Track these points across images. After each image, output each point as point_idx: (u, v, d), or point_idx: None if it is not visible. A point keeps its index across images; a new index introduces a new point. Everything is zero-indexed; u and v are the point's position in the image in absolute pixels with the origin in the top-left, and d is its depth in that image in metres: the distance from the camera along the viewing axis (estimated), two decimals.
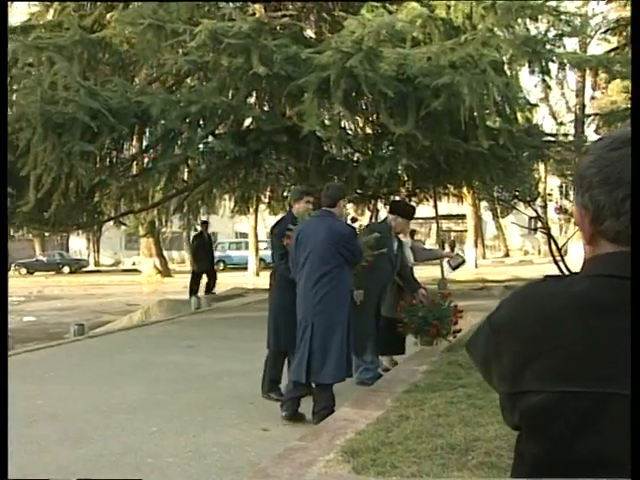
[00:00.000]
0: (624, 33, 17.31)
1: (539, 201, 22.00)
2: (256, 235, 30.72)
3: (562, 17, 11.61)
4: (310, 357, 5.48)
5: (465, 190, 22.61)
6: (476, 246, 33.17)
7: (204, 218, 20.08)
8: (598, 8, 17.62)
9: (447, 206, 28.31)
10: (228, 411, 6.09)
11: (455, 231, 45.58)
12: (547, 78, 11.60)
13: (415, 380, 6.15)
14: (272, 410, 5.95)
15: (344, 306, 5.58)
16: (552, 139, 13.98)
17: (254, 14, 12.11)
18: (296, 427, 5.43)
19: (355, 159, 13.38)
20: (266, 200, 20.04)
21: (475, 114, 10.76)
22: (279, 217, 8.33)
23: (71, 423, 5.78)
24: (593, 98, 32.77)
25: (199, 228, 18.25)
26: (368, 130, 13.99)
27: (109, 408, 6.25)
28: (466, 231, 37.22)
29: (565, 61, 11.60)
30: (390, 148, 11.91)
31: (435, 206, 21.77)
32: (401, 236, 7.31)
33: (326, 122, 11.06)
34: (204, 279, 17.40)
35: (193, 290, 16.94)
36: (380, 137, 12.53)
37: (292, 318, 5.75)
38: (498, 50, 10.92)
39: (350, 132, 13.35)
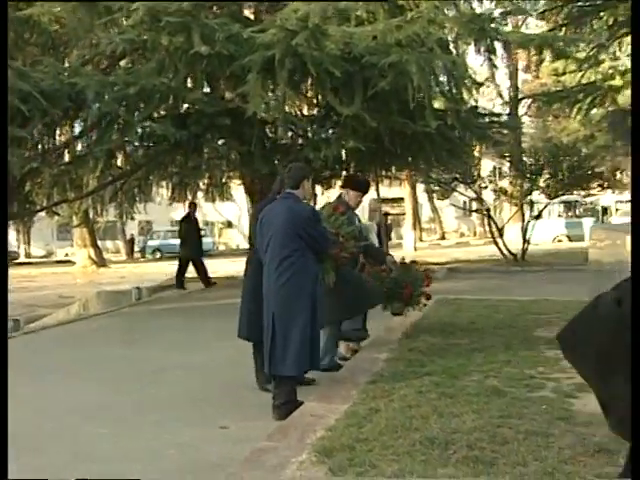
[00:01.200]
0: (561, 14, 17.40)
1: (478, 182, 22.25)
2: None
3: None
4: (271, 348, 5.27)
5: (404, 173, 22.53)
6: (414, 229, 33.18)
7: (141, 206, 19.40)
8: None
9: (383, 189, 28.14)
10: (183, 409, 5.72)
11: (392, 214, 45.71)
12: (493, 57, 11.48)
13: (377, 369, 5.89)
14: (229, 406, 5.63)
15: (305, 295, 5.27)
16: (496, 119, 13.93)
17: None
18: (257, 423, 5.11)
19: (300, 142, 13.05)
20: (204, 187, 19.50)
21: (422, 94, 10.58)
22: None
23: (12, 430, 5.33)
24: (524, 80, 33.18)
25: (187, 210, 16.37)
26: (313, 111, 13.68)
27: (54, 411, 5.81)
28: (404, 214, 37.22)
29: (510, 40, 11.53)
30: (336, 130, 11.63)
31: (377, 189, 21.70)
32: (369, 223, 7.09)
33: (271, 103, 10.70)
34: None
35: (180, 281, 15.64)
36: (326, 118, 12.24)
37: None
38: (444, 28, 10.77)
39: (295, 114, 13.02)
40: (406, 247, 29.36)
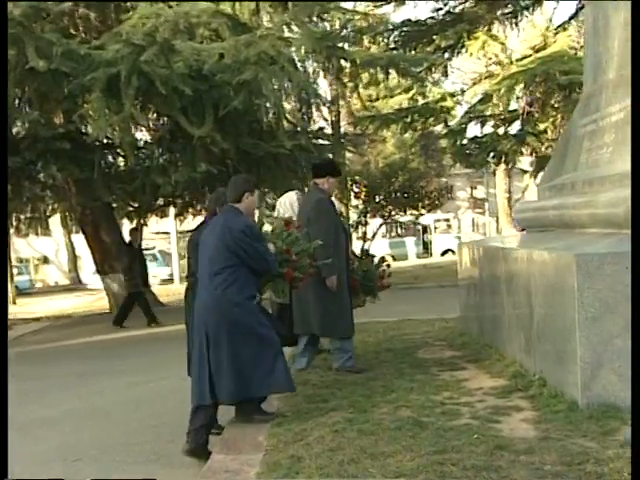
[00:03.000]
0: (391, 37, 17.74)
1: None
2: (9, 259, 27.95)
3: (350, 16, 11.46)
4: (201, 374, 4.86)
5: None
6: None
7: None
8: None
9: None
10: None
11: None
12: (341, 76, 11.35)
13: (274, 408, 5.34)
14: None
15: (232, 322, 4.84)
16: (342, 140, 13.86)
17: None
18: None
19: (147, 166, 12.21)
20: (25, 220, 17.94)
21: (275, 113, 10.23)
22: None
23: None
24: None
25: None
26: (162, 133, 12.89)
27: None
28: None
29: (357, 59, 11.46)
30: (186, 152, 10.96)
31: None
32: None
33: (115, 126, 9.86)
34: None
35: (125, 316, 13.60)
36: (175, 140, 11.54)
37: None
38: (294, 46, 10.49)
39: (142, 135, 12.20)
40: None
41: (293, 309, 6.57)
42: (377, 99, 20.02)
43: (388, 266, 7.27)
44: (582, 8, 18.39)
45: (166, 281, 30.87)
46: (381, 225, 26.16)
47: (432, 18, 17.88)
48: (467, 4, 17.74)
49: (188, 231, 22.30)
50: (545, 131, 18.20)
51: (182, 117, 9.86)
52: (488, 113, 17.28)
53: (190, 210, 18.89)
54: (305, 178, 14.99)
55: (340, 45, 10.90)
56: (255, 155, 11.00)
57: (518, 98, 15.86)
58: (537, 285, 5.40)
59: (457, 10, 18.03)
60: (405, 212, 24.83)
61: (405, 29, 17.31)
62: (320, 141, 13.22)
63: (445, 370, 6.27)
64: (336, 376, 6.23)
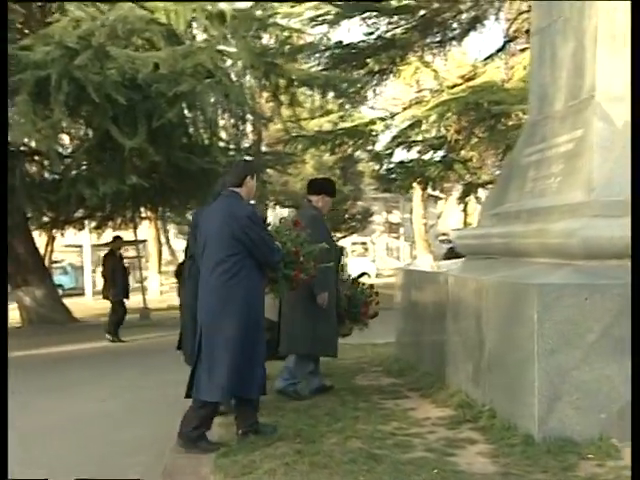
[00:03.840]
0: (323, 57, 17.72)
1: None
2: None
3: (288, 33, 11.32)
4: (195, 368, 4.72)
5: (150, 213, 21.38)
6: (160, 272, 31.39)
7: None
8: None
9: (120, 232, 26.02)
10: None
11: (130, 257, 43.53)
12: (279, 94, 11.16)
13: (216, 438, 5.03)
14: None
15: (238, 307, 4.63)
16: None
17: None
18: None
19: (73, 175, 11.64)
20: None
21: (211, 127, 9.95)
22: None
23: None
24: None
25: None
26: (90, 142, 12.34)
27: None
28: (141, 257, 35.18)
29: (294, 77, 11.30)
30: (116, 163, 10.52)
31: (135, 229, 20.44)
32: None
33: (43, 131, 9.36)
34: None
35: (117, 324, 12.77)
36: (104, 150, 11.07)
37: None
38: (232, 60, 10.24)
39: (69, 144, 11.66)
40: (151, 291, 27.75)
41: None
42: (298, 120, 19.93)
43: (377, 293, 6.87)
44: (510, 41, 18.95)
45: (73, 295, 29.59)
46: None
47: (364, 42, 18.00)
48: (398, 30, 17.91)
49: (104, 244, 21.54)
50: (471, 159, 18.51)
51: (113, 127, 9.45)
52: (418, 138, 17.43)
53: (109, 223, 18.30)
54: None
55: (278, 62, 10.74)
56: (186, 170, 10.67)
57: (447, 126, 16.06)
58: (489, 314, 5.30)
59: (388, 35, 18.21)
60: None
61: (337, 51, 17.35)
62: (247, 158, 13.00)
63: (388, 398, 6.10)
64: (277, 402, 5.96)
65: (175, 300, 12.59)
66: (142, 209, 16.79)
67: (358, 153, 22.35)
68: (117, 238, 13.30)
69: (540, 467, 4.08)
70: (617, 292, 4.55)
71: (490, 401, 5.21)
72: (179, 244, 37.73)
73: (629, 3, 5.73)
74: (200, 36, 11.54)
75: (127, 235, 30.04)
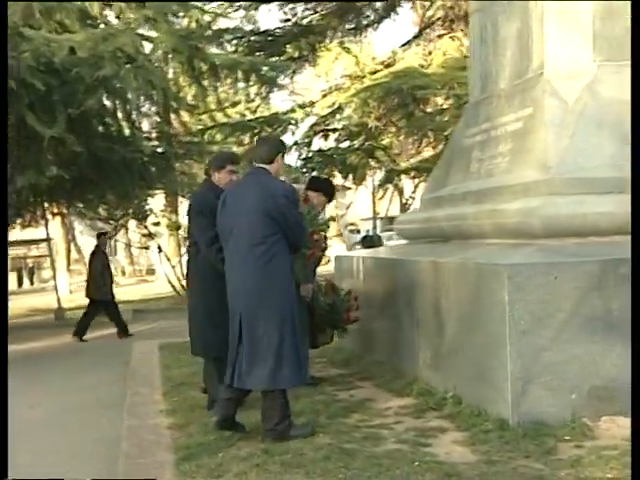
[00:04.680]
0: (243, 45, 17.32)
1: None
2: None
3: (209, 17, 10.92)
4: (237, 356, 4.39)
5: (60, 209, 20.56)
6: (69, 270, 30.04)
7: None
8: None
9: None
10: None
11: (33, 257, 41.80)
12: (202, 80, 10.74)
13: (169, 440, 4.70)
14: None
15: (282, 290, 4.41)
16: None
17: None
18: None
19: None
20: None
21: (132, 115, 9.47)
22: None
23: None
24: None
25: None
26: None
27: None
28: (46, 256, 33.62)
29: (217, 62, 10.90)
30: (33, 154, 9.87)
31: (46, 226, 19.51)
32: None
33: None
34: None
35: (86, 326, 11.80)
36: (20, 140, 10.38)
37: (222, 318, 4.70)
38: (153, 44, 9.78)
39: None
40: (61, 291, 26.52)
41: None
42: (222, 107, 19.45)
43: (355, 298, 6.57)
44: (426, 28, 19.04)
45: None
46: None
47: (280, 29, 17.71)
48: (316, 16, 17.70)
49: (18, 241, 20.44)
50: (391, 146, 18.51)
51: (30, 114, 8.84)
52: (338, 126, 17.28)
53: (19, 221, 17.39)
54: (150, 187, 14.17)
55: (201, 46, 10.34)
56: (108, 160, 10.13)
57: (369, 112, 15.97)
58: (450, 298, 5.16)
59: (305, 22, 17.97)
60: None
61: (253, 38, 17.00)
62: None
63: (341, 389, 5.88)
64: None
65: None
66: (54, 204, 15.98)
67: None
68: (103, 235, 12.74)
69: (522, 452, 3.96)
70: (586, 269, 4.48)
71: (454, 387, 5.06)
72: (85, 242, 36.24)
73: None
74: (116, 20, 10.97)
75: (33, 234, 28.94)
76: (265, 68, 11.55)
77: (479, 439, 4.23)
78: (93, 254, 12.23)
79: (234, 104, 18.22)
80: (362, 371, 6.50)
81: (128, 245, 32.86)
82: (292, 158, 19.04)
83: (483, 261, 4.82)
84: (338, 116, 16.79)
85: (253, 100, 19.12)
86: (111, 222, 21.29)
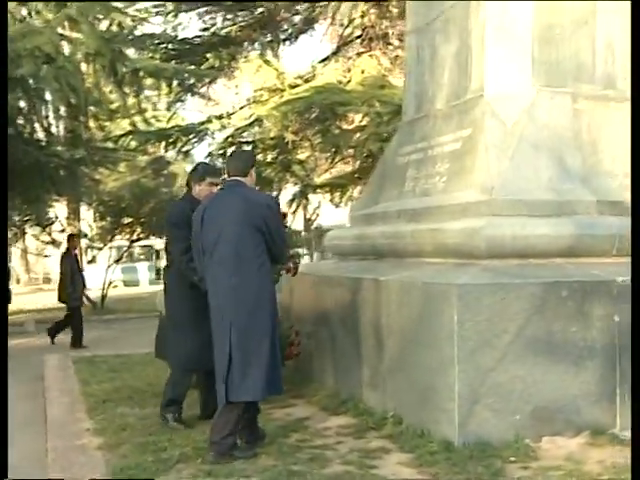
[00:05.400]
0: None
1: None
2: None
3: (131, 21, 10.58)
4: (229, 371, 4.32)
5: None
6: None
7: None
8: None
9: None
10: None
11: None
12: (125, 87, 10.37)
13: (102, 463, 4.44)
14: None
15: (268, 300, 4.48)
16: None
17: None
18: None
19: None
20: None
21: (48, 117, 9.04)
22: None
23: None
24: None
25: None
26: None
27: None
28: None
29: (138, 67, 10.57)
30: None
31: None
32: None
33: None
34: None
35: (57, 330, 11.41)
36: None
37: (196, 328, 4.89)
38: (74, 45, 9.38)
39: None
40: None
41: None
42: (142, 113, 18.97)
43: (297, 333, 6.46)
44: (344, 45, 19.15)
45: None
46: (128, 248, 24.81)
47: (199, 37, 17.46)
48: (235, 27, 17.54)
49: None
50: (307, 160, 18.48)
51: None
52: (255, 138, 17.12)
53: None
54: (59, 193, 13.62)
55: (124, 50, 10.00)
56: (19, 163, 9.62)
57: (287, 126, 15.90)
58: (392, 316, 5.11)
59: (223, 33, 17.79)
60: (151, 236, 23.71)
61: (170, 46, 16.69)
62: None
63: (275, 407, 5.72)
64: (158, 417, 5.40)
65: None
66: None
67: (171, 154, 21.61)
68: (72, 236, 12.32)
69: (470, 474, 3.94)
70: (530, 291, 4.52)
71: (394, 407, 5.02)
72: None
73: (520, 3, 5.82)
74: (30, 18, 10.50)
75: None
76: (187, 76, 11.27)
77: (426, 460, 4.18)
78: (63, 257, 11.90)
79: (141, 111, 17.84)
80: (294, 389, 6.35)
81: (25, 252, 31.74)
82: None
83: (431, 280, 4.80)
84: (257, 128, 16.64)
85: (169, 108, 18.83)
86: (12, 228, 20.42)
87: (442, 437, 4.40)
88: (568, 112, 5.63)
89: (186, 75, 11.30)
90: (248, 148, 16.33)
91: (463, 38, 6.08)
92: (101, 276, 20.57)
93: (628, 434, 4.47)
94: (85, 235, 21.26)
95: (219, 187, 5.16)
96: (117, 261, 21.84)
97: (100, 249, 21.97)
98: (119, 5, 10.62)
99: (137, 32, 11.43)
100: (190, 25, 16.40)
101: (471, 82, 5.93)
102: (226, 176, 4.81)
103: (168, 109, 19.73)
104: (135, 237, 23.45)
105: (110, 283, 20.06)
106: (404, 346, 4.94)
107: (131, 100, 11.45)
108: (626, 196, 5.40)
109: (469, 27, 6.00)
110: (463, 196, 5.46)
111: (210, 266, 4.51)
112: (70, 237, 12.29)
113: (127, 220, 21.46)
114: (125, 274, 34.92)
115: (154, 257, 39.11)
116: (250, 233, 4.39)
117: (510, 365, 4.43)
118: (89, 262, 23.83)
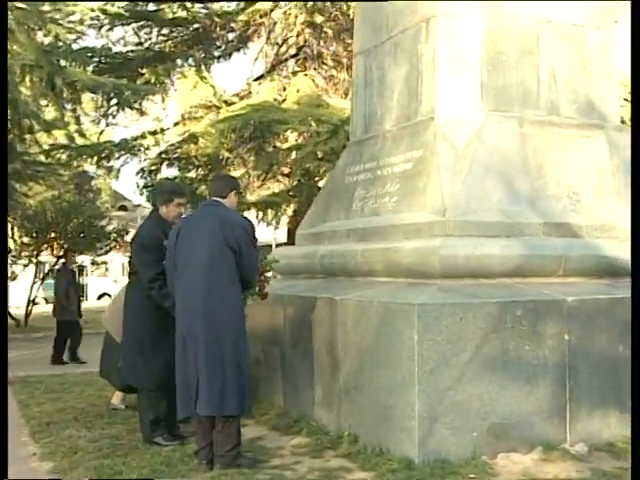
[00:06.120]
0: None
1: None
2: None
3: (71, 34, 10.35)
4: (196, 386, 4.42)
5: None
6: None
7: None
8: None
9: None
10: None
11: None
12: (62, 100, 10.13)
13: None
14: None
15: (239, 317, 4.60)
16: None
17: None
18: None
19: None
20: None
21: None
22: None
23: None
24: None
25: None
26: None
27: None
28: None
29: (76, 80, 10.34)
30: None
31: None
32: None
33: None
34: None
35: (60, 350, 10.88)
36: None
37: (167, 346, 4.81)
38: (10, 55, 9.11)
39: None
40: None
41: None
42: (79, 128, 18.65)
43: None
44: (279, 64, 19.21)
45: None
46: (55, 265, 24.11)
47: (132, 52, 17.25)
48: (169, 43, 17.40)
49: None
50: (241, 178, 18.38)
51: None
52: (192, 154, 16.95)
53: None
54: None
55: (64, 64, 9.76)
56: None
57: (223, 143, 15.82)
58: (347, 336, 5.13)
59: (157, 48, 17.63)
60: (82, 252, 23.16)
61: (103, 59, 16.44)
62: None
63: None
64: (109, 439, 5.26)
65: None
66: None
67: (94, 169, 21.22)
68: (68, 251, 12.42)
69: None
70: (487, 311, 4.62)
71: (349, 426, 5.03)
72: None
73: (470, 30, 5.98)
74: None
75: None
76: (128, 92, 11.10)
77: (387, 478, 4.21)
78: (59, 272, 11.88)
79: (78, 125, 17.58)
80: None
81: None
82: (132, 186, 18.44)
83: (389, 300, 4.84)
84: (193, 145, 16.49)
85: (98, 123, 18.57)
86: None
87: (402, 455, 4.43)
88: (515, 136, 5.79)
89: (123, 90, 11.03)
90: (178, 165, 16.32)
91: (413, 62, 6.18)
92: (23, 294, 19.99)
93: (579, 448, 4.64)
94: (10, 251, 20.61)
95: (186, 206, 5.15)
96: (43, 278, 21.25)
97: (26, 265, 21.34)
98: (56, 16, 10.36)
99: (75, 45, 11.12)
100: (127, 39, 16.05)
101: (421, 105, 6.03)
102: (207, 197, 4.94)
103: (98, 123, 19.40)
104: (61, 253, 22.88)
105: (33, 300, 19.50)
106: (361, 365, 4.96)
107: (68, 114, 11.19)
108: (570, 218, 5.64)
109: (419, 52, 6.11)
110: (415, 216, 5.54)
111: (180, 280, 4.59)
112: (66, 252, 12.46)
113: (52, 235, 20.94)
114: (46, 291, 33.91)
115: (77, 274, 38.14)
116: (222, 251, 4.50)
117: (468, 384, 4.51)
118: (10, 279, 23.02)
